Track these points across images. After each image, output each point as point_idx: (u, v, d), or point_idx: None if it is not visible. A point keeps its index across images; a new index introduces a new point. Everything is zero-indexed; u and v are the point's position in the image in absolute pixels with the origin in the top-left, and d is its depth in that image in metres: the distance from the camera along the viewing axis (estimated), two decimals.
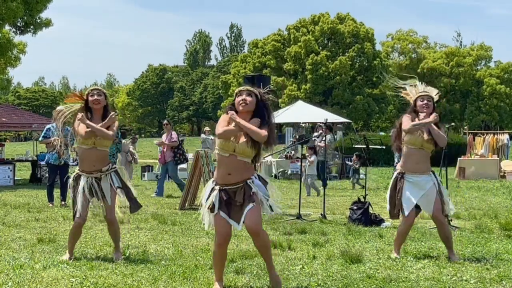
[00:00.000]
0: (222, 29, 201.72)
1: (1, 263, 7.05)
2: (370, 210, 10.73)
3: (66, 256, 7.36)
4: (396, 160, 16.45)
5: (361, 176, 19.14)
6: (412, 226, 7.91)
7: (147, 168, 24.47)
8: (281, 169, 23.37)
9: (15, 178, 20.94)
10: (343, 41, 58.57)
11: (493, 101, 59.03)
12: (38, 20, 25.17)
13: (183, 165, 23.35)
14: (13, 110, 26.80)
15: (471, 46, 66.19)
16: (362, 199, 11.17)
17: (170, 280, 6.21)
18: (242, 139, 5.76)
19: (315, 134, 21.64)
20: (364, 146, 16.67)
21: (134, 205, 7.59)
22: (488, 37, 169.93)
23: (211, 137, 26.07)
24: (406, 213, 7.56)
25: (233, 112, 5.83)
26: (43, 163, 17.74)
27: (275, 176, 23.27)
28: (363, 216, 10.56)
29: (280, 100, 54.38)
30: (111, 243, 8.41)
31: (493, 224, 10.52)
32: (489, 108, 59.01)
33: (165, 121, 16.93)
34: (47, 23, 25.33)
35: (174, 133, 16.22)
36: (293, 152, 25.26)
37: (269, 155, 20.81)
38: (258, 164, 13.61)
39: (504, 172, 22.95)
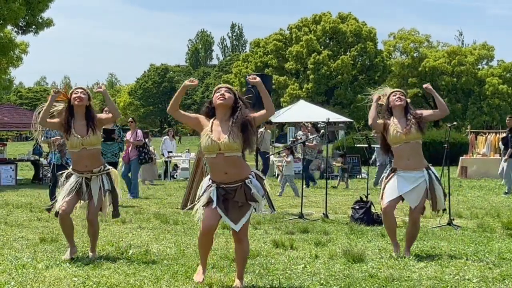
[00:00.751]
0: (224, 29, 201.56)
1: (3, 263, 7.06)
2: (372, 209, 10.72)
3: (67, 254, 7.36)
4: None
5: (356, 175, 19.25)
6: (392, 214, 7.65)
7: None
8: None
9: (17, 177, 20.95)
10: (345, 40, 58.60)
11: (495, 101, 58.98)
12: (40, 20, 25.18)
13: (185, 165, 23.40)
14: (15, 110, 26.79)
15: (473, 45, 66.17)
16: (364, 198, 11.16)
17: (173, 280, 6.21)
18: (223, 135, 5.75)
19: (300, 133, 21.75)
20: (366, 145, 16.66)
21: (116, 212, 7.58)
22: (490, 37, 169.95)
23: None
24: (385, 201, 7.54)
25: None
26: (45, 162, 17.74)
27: (277, 176, 23.23)
28: (365, 215, 10.56)
29: (282, 100, 54.45)
30: (113, 242, 8.43)
31: (495, 223, 10.50)
32: (491, 107, 58.95)
33: (130, 119, 16.46)
34: (49, 23, 25.33)
35: (139, 131, 15.82)
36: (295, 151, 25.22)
37: (270, 155, 20.81)
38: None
39: None
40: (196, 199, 6.11)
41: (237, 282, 5.96)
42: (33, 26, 25.14)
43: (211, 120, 5.90)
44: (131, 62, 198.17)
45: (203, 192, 5.93)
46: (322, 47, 58.51)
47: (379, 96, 7.98)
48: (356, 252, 7.46)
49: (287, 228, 9.80)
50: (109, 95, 7.64)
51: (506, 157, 16.72)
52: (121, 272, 6.57)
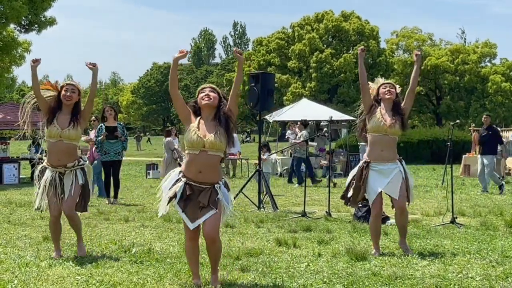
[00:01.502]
0: (227, 28, 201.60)
1: (7, 261, 7.07)
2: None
3: (54, 254, 7.38)
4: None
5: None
6: (380, 215, 7.86)
7: (151, 166, 24.44)
8: (286, 167, 23.32)
9: (20, 176, 20.96)
10: (347, 38, 58.57)
11: (498, 99, 58.89)
12: (43, 19, 25.21)
13: None
14: (17, 109, 26.82)
15: (475, 43, 66.00)
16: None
17: (176, 278, 6.22)
18: (209, 133, 5.77)
19: (288, 132, 21.83)
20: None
21: (82, 207, 7.47)
22: (492, 36, 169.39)
23: None
24: (370, 203, 7.67)
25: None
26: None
27: (280, 174, 23.24)
28: (368, 214, 10.52)
29: (284, 98, 54.42)
30: (116, 241, 8.43)
31: (498, 221, 10.49)
32: (494, 105, 58.86)
33: (93, 117, 15.59)
34: (52, 22, 25.37)
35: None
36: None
37: (274, 153, 20.81)
38: (263, 162, 13.58)
39: (509, 170, 22.90)
40: (159, 186, 6.11)
41: (213, 278, 5.98)
42: (36, 25, 25.18)
43: (198, 118, 5.92)
44: (134, 61, 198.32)
45: (172, 186, 5.90)
46: (325, 46, 58.48)
47: (363, 49, 8.04)
48: (359, 250, 7.46)
49: (290, 227, 9.80)
50: (96, 76, 7.59)
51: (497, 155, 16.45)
52: (124, 271, 6.58)
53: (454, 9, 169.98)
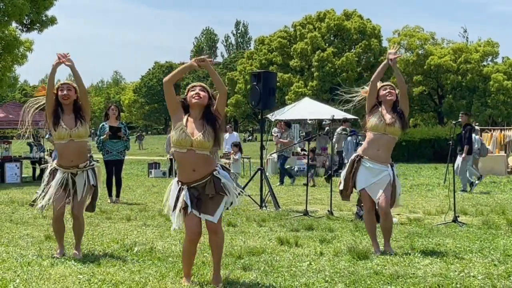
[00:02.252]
0: (230, 27, 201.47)
1: (9, 260, 7.07)
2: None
3: (57, 252, 7.39)
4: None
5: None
6: (373, 210, 7.81)
7: (153, 165, 24.47)
8: (288, 166, 23.35)
9: (22, 175, 20.98)
10: (349, 37, 58.52)
11: (500, 97, 58.77)
12: (44, 18, 25.21)
13: None
14: (20, 108, 26.83)
15: (477, 42, 65.86)
16: None
17: (177, 277, 6.22)
18: (197, 132, 5.76)
19: (275, 129, 21.84)
20: None
21: (91, 207, 7.60)
22: (494, 34, 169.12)
23: None
24: (361, 195, 7.79)
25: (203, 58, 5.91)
26: (50, 160, 17.70)
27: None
28: None
29: (286, 97, 54.39)
30: (118, 240, 8.44)
31: (500, 220, 10.49)
32: (496, 104, 58.75)
33: None
34: (53, 21, 25.37)
35: None
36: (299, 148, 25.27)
37: (275, 152, 20.81)
38: (265, 161, 13.59)
39: (511, 168, 22.92)
40: (163, 201, 6.11)
41: (215, 275, 5.98)
42: (38, 24, 25.17)
43: (186, 116, 5.90)
44: (135, 60, 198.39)
45: (176, 198, 5.89)
46: (327, 44, 58.42)
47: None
48: (361, 249, 7.46)
49: (292, 225, 9.80)
50: (75, 68, 7.30)
51: (464, 154, 16.31)
52: (126, 270, 6.58)
53: (456, 8, 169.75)
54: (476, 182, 16.76)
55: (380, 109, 7.72)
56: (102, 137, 13.59)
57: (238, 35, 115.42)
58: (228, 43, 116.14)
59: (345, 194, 7.96)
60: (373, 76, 7.85)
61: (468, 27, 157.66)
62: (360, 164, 7.71)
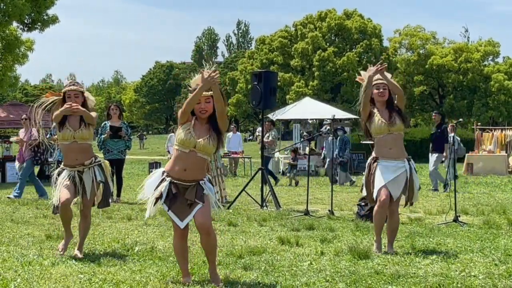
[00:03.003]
0: (231, 26, 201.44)
1: (9, 260, 7.07)
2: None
3: (62, 244, 7.48)
4: None
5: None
6: (386, 206, 7.61)
7: (154, 164, 24.49)
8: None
9: None
10: (350, 37, 58.48)
11: (501, 97, 58.73)
12: (45, 17, 25.21)
13: None
14: (20, 107, 26.82)
15: (478, 42, 65.80)
16: None
17: (178, 277, 6.22)
18: (203, 136, 5.81)
19: (259, 129, 21.82)
20: (372, 142, 16.61)
21: (105, 203, 7.67)
22: (495, 34, 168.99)
23: None
24: (375, 195, 7.60)
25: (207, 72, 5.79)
26: (51, 159, 17.71)
27: (283, 173, 23.24)
28: (371, 212, 10.51)
29: (287, 97, 54.37)
30: (119, 239, 8.44)
31: (501, 220, 10.49)
32: (496, 104, 58.71)
33: (23, 116, 14.84)
34: (54, 20, 25.39)
35: (34, 130, 13.99)
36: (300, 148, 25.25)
37: (276, 152, 20.81)
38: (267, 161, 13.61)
39: None
40: (141, 185, 6.23)
41: (213, 275, 5.99)
42: (39, 23, 25.17)
43: (193, 118, 5.92)
44: (136, 60, 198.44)
45: (157, 186, 6.00)
46: (328, 44, 58.39)
47: (362, 78, 7.92)
48: (362, 248, 7.46)
49: (292, 225, 9.80)
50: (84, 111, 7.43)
51: (445, 153, 16.20)
52: (127, 269, 6.59)
53: (457, 7, 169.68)
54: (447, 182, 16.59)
55: (375, 113, 7.70)
56: (102, 136, 13.60)
57: (240, 35, 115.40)
58: (229, 42, 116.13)
59: (370, 198, 7.86)
60: (361, 106, 7.75)
61: (469, 27, 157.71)
62: (376, 165, 7.69)
